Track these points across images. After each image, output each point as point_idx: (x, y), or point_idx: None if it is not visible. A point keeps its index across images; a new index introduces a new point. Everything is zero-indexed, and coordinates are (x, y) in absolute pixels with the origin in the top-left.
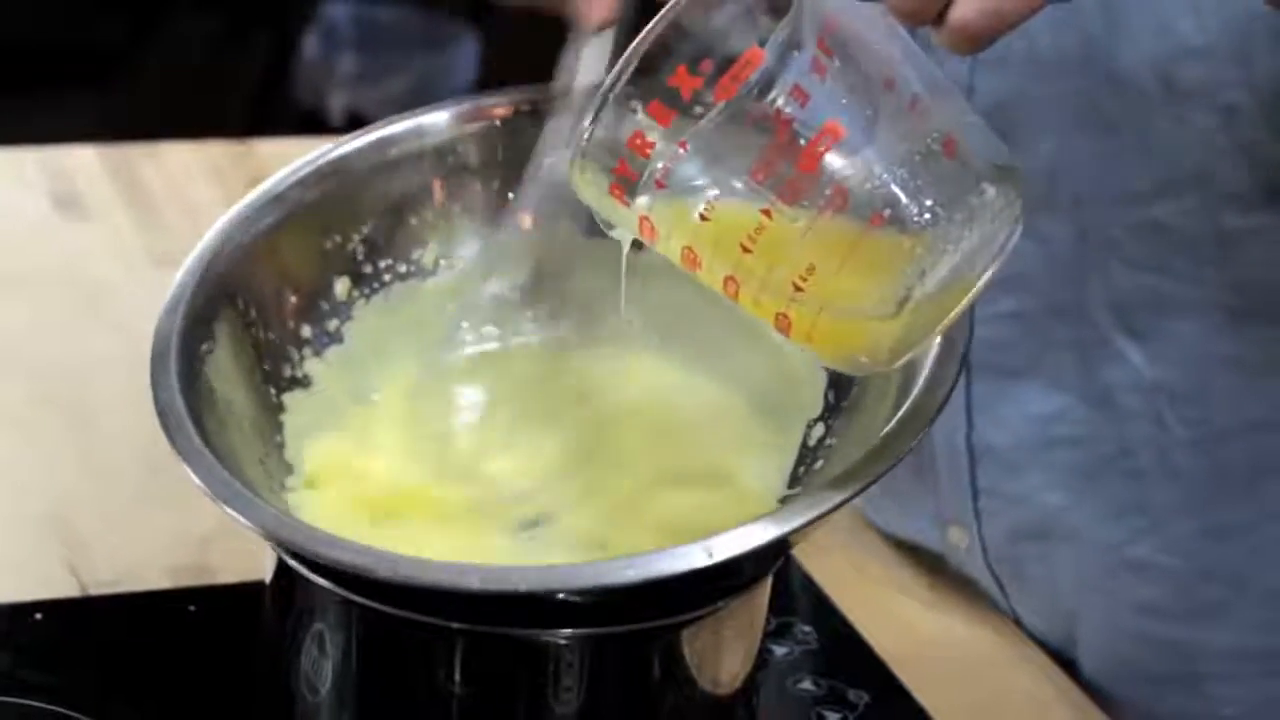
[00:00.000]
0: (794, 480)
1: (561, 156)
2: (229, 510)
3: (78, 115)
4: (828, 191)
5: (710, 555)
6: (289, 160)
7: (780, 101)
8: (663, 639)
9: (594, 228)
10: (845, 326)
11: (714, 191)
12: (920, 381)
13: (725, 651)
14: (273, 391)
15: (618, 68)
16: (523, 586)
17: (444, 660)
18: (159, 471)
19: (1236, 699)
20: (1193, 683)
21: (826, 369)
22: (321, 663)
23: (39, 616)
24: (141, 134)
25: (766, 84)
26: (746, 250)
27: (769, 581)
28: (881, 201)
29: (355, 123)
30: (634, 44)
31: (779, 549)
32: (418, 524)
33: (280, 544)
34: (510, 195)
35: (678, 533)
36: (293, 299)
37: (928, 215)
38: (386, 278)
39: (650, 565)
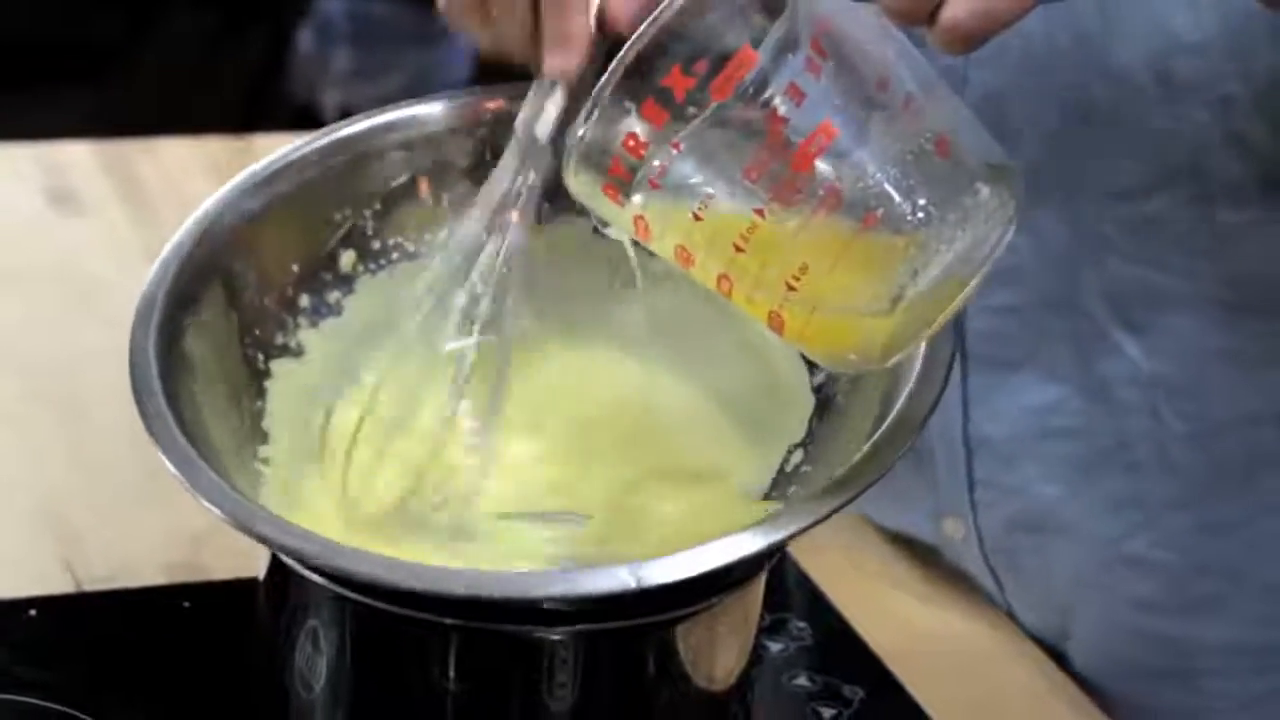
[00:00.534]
0: (778, 478)
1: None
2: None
3: (73, 111)
4: (820, 191)
5: (638, 581)
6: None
7: (774, 102)
8: (657, 635)
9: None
10: (838, 325)
11: (707, 191)
12: (906, 389)
13: (720, 647)
14: (261, 357)
15: (612, 67)
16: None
17: (438, 657)
18: (153, 468)
19: (1231, 694)
20: (1187, 677)
21: (815, 393)
22: (315, 659)
23: (33, 613)
24: (137, 129)
25: (761, 84)
26: (739, 249)
27: (763, 578)
28: (874, 201)
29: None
30: (628, 44)
31: (760, 560)
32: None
33: (249, 531)
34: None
35: (664, 531)
36: (295, 266)
37: (921, 215)
38: (394, 255)
39: (576, 582)
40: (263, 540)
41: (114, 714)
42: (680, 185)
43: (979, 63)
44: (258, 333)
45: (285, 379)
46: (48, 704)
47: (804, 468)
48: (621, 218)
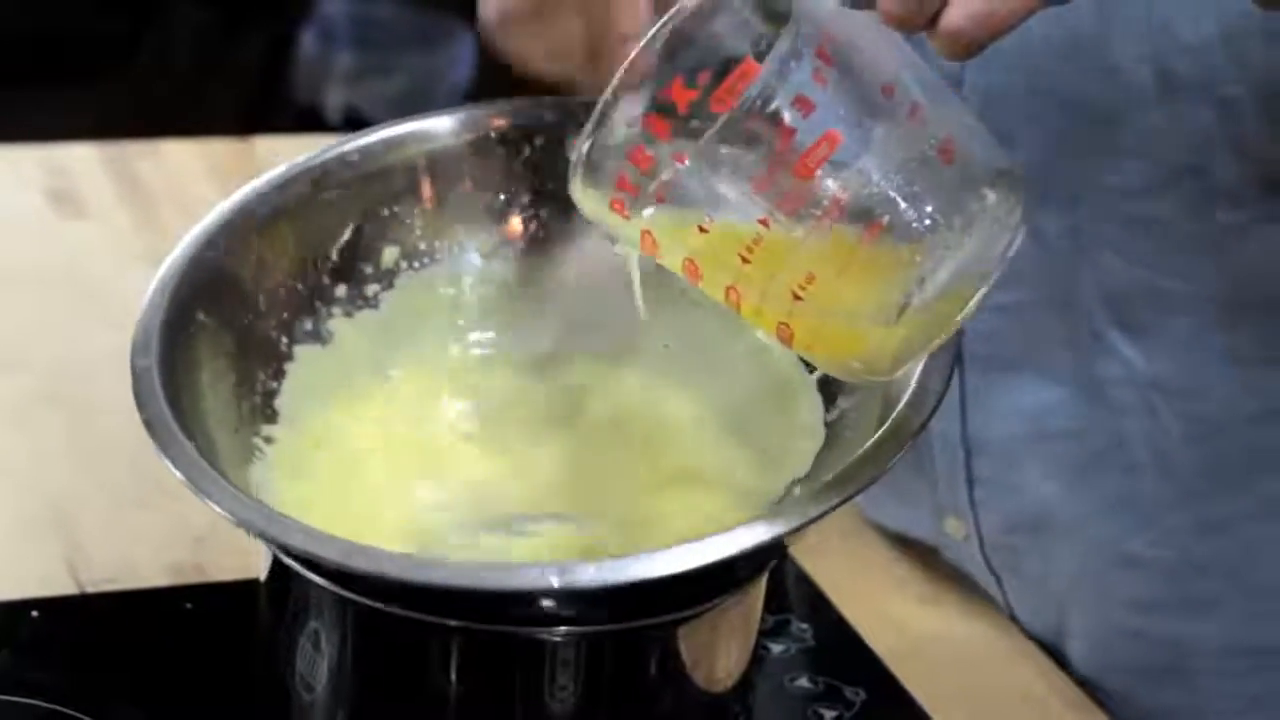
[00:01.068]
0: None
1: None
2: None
3: (75, 112)
4: (825, 200)
5: (557, 580)
6: (288, 157)
7: (779, 112)
8: (658, 637)
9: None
10: (846, 334)
11: (713, 203)
12: (908, 390)
13: (721, 649)
14: (285, 340)
15: (615, 80)
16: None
17: (440, 658)
18: (155, 469)
19: (1228, 693)
20: (1185, 677)
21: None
22: (317, 660)
23: (36, 614)
24: (139, 131)
25: (765, 95)
26: (745, 260)
27: (764, 579)
28: (879, 209)
29: (352, 120)
30: (630, 57)
31: (758, 559)
32: (392, 519)
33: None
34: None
35: (671, 541)
36: (333, 255)
37: (927, 222)
38: (439, 255)
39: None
40: (258, 534)
41: (116, 715)
42: (686, 198)
43: (975, 64)
44: (285, 315)
45: (308, 363)
46: (50, 705)
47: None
48: (629, 232)
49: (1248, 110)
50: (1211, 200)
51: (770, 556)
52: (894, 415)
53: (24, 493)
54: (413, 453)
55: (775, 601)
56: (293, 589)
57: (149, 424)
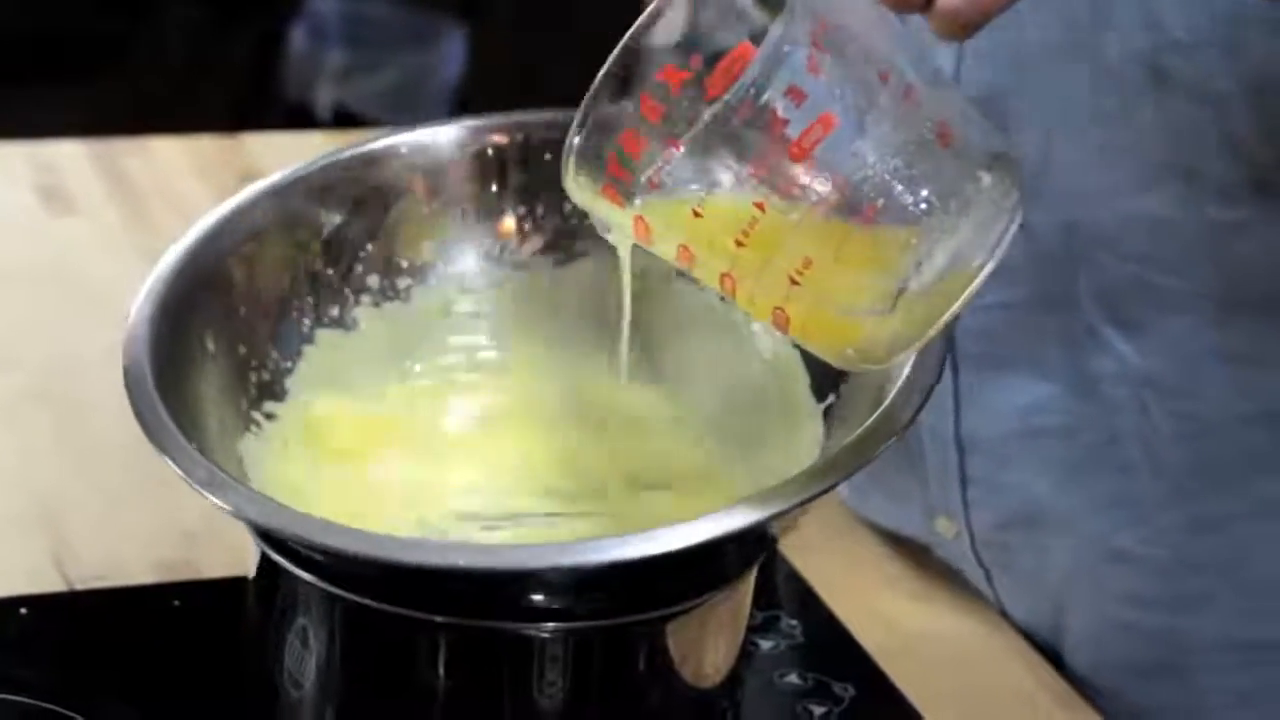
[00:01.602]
0: None
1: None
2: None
3: (64, 109)
4: (820, 183)
5: (532, 561)
6: (278, 154)
7: (774, 95)
8: (646, 633)
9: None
10: (842, 320)
11: (707, 187)
12: (898, 383)
13: (709, 645)
14: (307, 323)
15: (606, 66)
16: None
17: (428, 654)
18: (144, 466)
19: (1221, 689)
20: (1178, 673)
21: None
22: (305, 657)
23: (24, 611)
24: (129, 129)
25: (760, 78)
26: (741, 244)
27: (753, 575)
28: (875, 192)
29: (342, 117)
30: (623, 40)
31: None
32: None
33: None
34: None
35: None
36: (369, 245)
37: (923, 205)
38: (449, 259)
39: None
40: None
41: (105, 712)
42: (680, 182)
43: (970, 61)
44: (310, 299)
45: (327, 348)
46: (38, 703)
47: None
48: (621, 219)
49: (1241, 108)
50: (1204, 198)
51: (757, 549)
52: (883, 407)
53: (13, 490)
54: (410, 446)
55: (765, 598)
56: (281, 586)
57: (127, 372)
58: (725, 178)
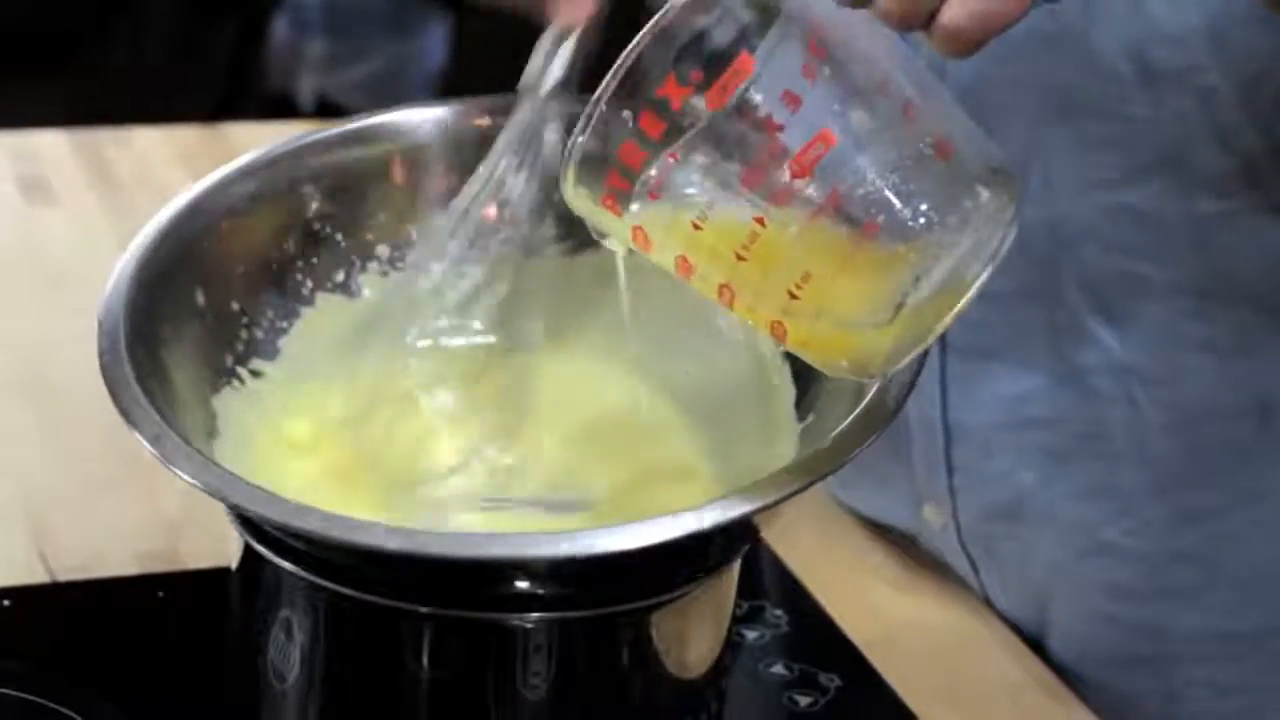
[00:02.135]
0: None
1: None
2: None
3: (45, 99)
4: (820, 199)
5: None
6: (259, 144)
7: (771, 109)
8: (631, 623)
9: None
10: (840, 334)
11: (707, 200)
12: (877, 381)
13: (694, 635)
14: (309, 284)
15: (607, 79)
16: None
17: (411, 645)
18: (127, 456)
19: (1205, 681)
20: (1162, 665)
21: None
22: (289, 648)
23: (6, 603)
24: (109, 118)
25: (758, 93)
26: (741, 258)
27: (737, 565)
28: (875, 208)
29: (324, 107)
30: (623, 54)
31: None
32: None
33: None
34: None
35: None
36: (381, 215)
37: (922, 220)
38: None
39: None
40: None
41: (88, 704)
42: (679, 195)
43: None
44: (314, 261)
45: (328, 312)
46: (20, 694)
47: None
48: (620, 229)
49: (1228, 100)
50: (1192, 190)
51: (741, 540)
52: (865, 401)
53: None
54: (397, 427)
55: (750, 588)
56: (264, 577)
57: (100, 321)
58: (725, 190)
